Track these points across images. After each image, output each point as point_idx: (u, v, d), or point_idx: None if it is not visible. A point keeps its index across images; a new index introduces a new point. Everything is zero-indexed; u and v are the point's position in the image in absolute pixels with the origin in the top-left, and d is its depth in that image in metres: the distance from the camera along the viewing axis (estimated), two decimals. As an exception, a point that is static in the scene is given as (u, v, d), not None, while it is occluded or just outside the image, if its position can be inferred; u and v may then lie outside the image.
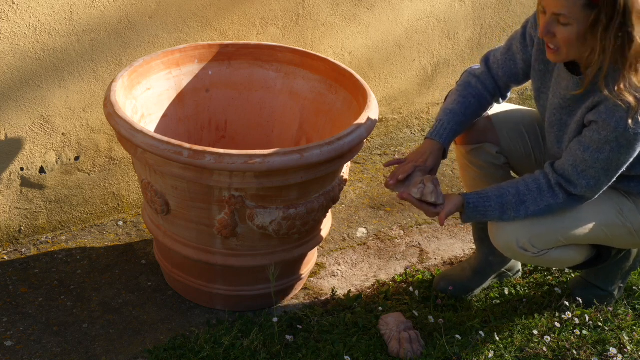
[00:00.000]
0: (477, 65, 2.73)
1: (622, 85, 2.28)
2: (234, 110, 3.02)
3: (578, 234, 2.55)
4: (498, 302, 2.87)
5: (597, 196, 2.47)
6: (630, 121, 2.29)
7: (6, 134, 2.83)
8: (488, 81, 2.68)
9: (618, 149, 2.35)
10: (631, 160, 2.39)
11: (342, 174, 2.71)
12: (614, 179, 2.44)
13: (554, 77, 2.50)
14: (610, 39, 2.23)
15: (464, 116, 2.64)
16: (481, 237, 2.86)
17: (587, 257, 2.67)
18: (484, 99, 2.69)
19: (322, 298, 2.89)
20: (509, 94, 2.72)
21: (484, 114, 2.72)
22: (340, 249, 3.15)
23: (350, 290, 2.91)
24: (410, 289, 2.89)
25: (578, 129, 2.44)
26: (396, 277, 3.00)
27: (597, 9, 2.21)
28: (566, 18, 2.26)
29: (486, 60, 2.70)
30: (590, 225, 2.55)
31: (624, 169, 2.42)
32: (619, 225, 2.57)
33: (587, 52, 2.30)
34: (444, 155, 2.63)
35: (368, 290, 2.94)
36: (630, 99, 2.27)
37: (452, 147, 2.74)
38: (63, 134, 2.94)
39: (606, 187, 2.45)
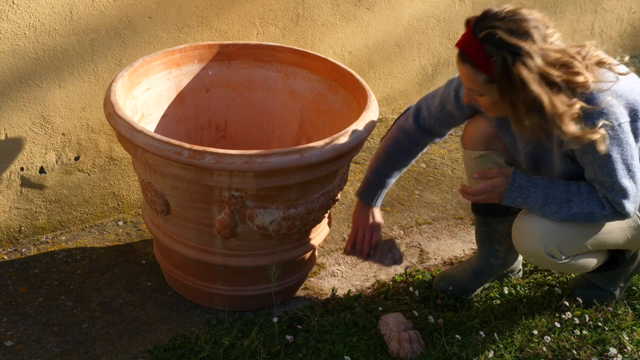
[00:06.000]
0: (410, 110, 2.75)
1: (558, 133, 2.32)
2: (234, 110, 3.02)
3: (604, 239, 2.55)
4: (498, 302, 2.87)
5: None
6: (600, 122, 2.30)
7: (6, 134, 2.83)
8: (417, 134, 2.72)
9: (619, 148, 2.36)
10: (637, 150, 2.40)
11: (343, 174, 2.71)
12: None
13: (513, 126, 2.50)
14: (521, 106, 2.27)
15: (391, 171, 2.77)
16: (483, 238, 2.86)
17: (604, 261, 2.68)
18: (412, 151, 2.76)
19: (322, 298, 2.89)
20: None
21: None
22: (340, 249, 3.15)
23: (350, 290, 2.91)
24: (410, 289, 2.89)
25: (565, 157, 2.44)
26: (396, 277, 3.00)
27: (496, 83, 2.28)
28: (477, 92, 2.34)
29: (417, 115, 2.71)
30: (616, 230, 2.55)
31: (638, 162, 2.41)
32: (639, 227, 2.58)
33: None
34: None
35: (368, 290, 2.94)
36: (574, 132, 2.28)
37: (459, 148, 2.76)
38: (63, 134, 2.94)
39: None
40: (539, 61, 2.22)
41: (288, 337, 2.61)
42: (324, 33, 3.38)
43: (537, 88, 2.22)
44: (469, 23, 2.30)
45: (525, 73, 2.21)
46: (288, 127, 3.01)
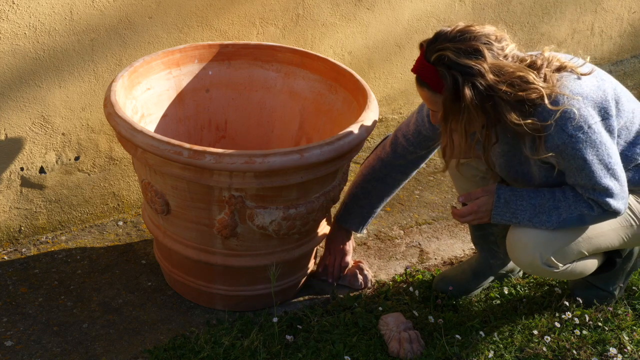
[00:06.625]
0: (387, 140, 2.77)
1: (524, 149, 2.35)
2: (234, 110, 3.02)
3: (598, 243, 2.55)
4: (498, 302, 2.87)
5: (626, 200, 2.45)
6: (570, 126, 2.30)
7: (6, 134, 2.83)
8: (396, 162, 2.74)
9: (593, 150, 2.34)
10: (615, 146, 2.39)
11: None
12: (623, 174, 2.42)
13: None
14: (471, 125, 2.31)
15: (367, 199, 2.81)
16: (480, 242, 2.86)
17: (600, 263, 2.68)
18: (391, 178, 2.78)
19: (322, 298, 2.89)
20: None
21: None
22: (340, 249, 3.14)
23: (350, 290, 2.91)
24: (410, 289, 2.89)
25: (542, 166, 2.43)
26: (396, 277, 3.00)
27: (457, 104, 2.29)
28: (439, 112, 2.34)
29: (394, 145, 2.74)
30: (608, 232, 2.55)
31: (618, 158, 2.40)
32: (633, 226, 2.57)
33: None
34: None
35: (368, 290, 2.94)
36: (524, 122, 2.28)
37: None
38: (63, 134, 2.94)
39: (627, 186, 2.44)
40: (490, 78, 2.21)
41: (288, 337, 2.61)
42: (324, 33, 3.38)
43: (486, 107, 2.24)
44: (422, 47, 2.31)
45: (472, 92, 2.21)
46: (288, 127, 3.01)
